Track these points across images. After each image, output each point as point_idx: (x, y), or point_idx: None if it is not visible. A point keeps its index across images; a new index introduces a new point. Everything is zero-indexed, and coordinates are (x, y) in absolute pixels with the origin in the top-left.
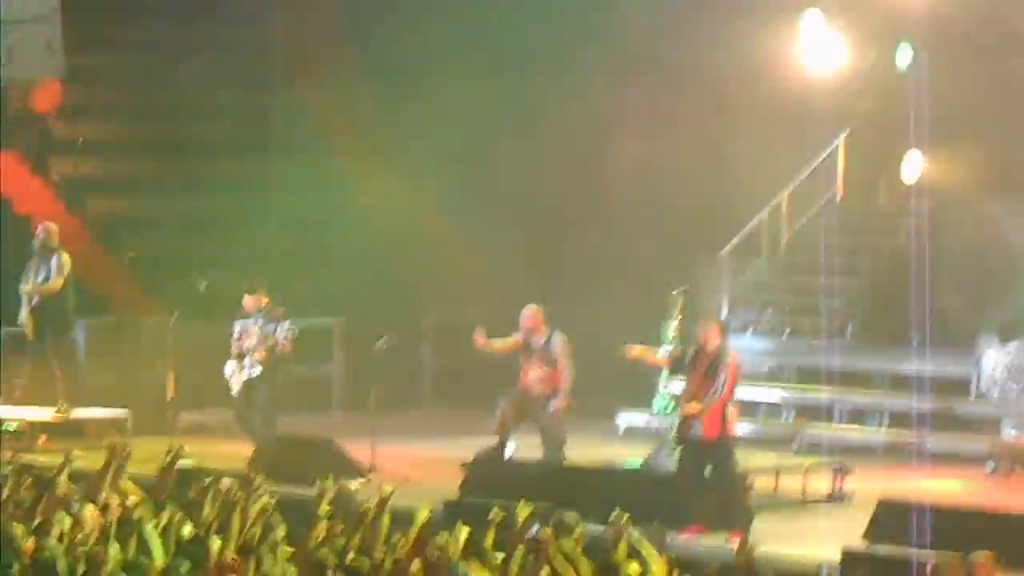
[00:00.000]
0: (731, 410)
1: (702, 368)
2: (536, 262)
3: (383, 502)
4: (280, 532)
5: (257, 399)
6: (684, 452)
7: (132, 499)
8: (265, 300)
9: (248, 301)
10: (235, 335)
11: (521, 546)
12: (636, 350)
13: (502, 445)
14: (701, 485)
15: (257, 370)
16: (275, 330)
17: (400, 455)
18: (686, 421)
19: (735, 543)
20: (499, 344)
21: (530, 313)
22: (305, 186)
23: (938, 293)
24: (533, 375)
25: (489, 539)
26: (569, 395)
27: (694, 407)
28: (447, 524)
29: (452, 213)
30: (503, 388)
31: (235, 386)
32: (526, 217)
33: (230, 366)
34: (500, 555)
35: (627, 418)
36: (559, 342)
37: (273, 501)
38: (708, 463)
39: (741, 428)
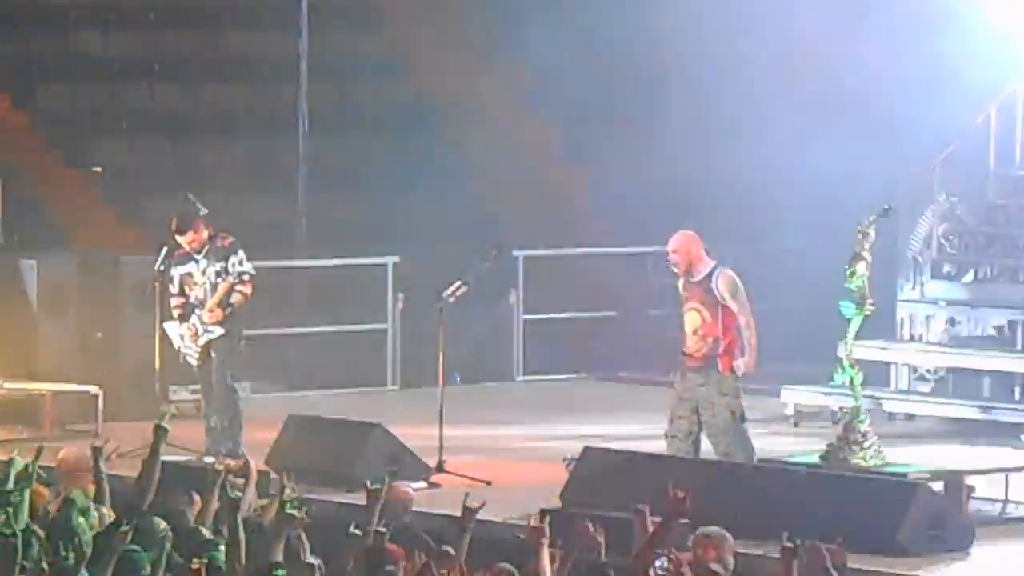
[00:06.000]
0: None
1: None
2: (676, 180)
3: (467, 517)
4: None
5: (219, 372)
6: None
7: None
8: (206, 232)
9: (185, 239)
10: (173, 287)
11: None
12: None
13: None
14: None
15: (217, 332)
16: (225, 271)
17: (480, 447)
18: None
19: None
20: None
21: (678, 241)
22: None
23: None
24: (689, 322)
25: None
26: (744, 356)
27: None
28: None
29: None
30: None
31: (193, 357)
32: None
33: (175, 329)
34: None
35: (795, 395)
36: (723, 280)
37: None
38: None
39: (955, 410)
